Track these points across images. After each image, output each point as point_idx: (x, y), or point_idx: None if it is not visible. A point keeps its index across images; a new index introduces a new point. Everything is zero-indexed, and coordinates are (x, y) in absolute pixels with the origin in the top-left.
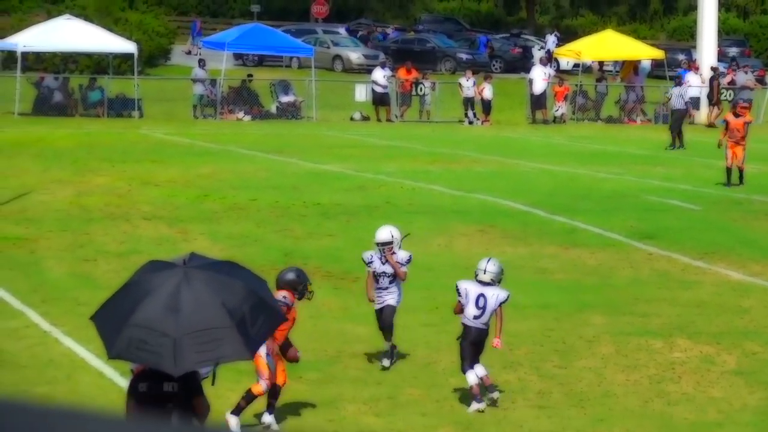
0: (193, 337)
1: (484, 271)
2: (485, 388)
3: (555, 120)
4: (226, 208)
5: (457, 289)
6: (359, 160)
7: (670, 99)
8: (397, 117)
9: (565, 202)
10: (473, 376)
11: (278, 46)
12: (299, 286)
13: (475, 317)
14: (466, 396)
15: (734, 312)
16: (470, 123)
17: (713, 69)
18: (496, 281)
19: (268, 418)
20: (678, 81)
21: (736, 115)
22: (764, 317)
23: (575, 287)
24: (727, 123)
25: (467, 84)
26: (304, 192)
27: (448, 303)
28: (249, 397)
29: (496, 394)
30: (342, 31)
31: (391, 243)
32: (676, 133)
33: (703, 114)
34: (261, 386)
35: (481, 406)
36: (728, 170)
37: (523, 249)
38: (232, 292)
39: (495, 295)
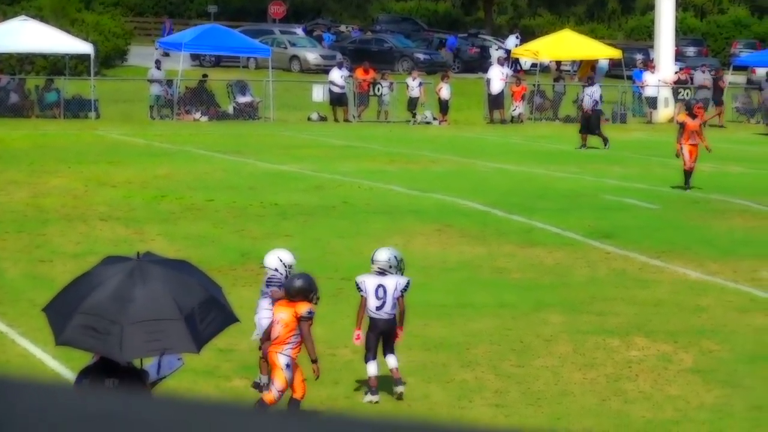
0: (141, 326)
1: (373, 261)
2: (396, 379)
3: (512, 120)
4: (183, 208)
5: (357, 285)
6: (316, 160)
7: (582, 100)
8: (354, 117)
9: (522, 201)
10: (373, 368)
11: (235, 46)
12: (311, 294)
13: (377, 308)
14: (423, 397)
15: (691, 310)
16: (416, 123)
17: (715, 70)
18: (395, 269)
19: None
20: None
21: (693, 117)
22: (721, 316)
23: (532, 286)
24: (683, 125)
25: (413, 84)
26: (261, 192)
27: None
28: (261, 406)
29: (400, 388)
30: (299, 31)
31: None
32: (592, 134)
33: (661, 113)
34: (273, 395)
35: (375, 398)
36: (687, 173)
37: (481, 248)
38: (184, 286)
39: (395, 282)
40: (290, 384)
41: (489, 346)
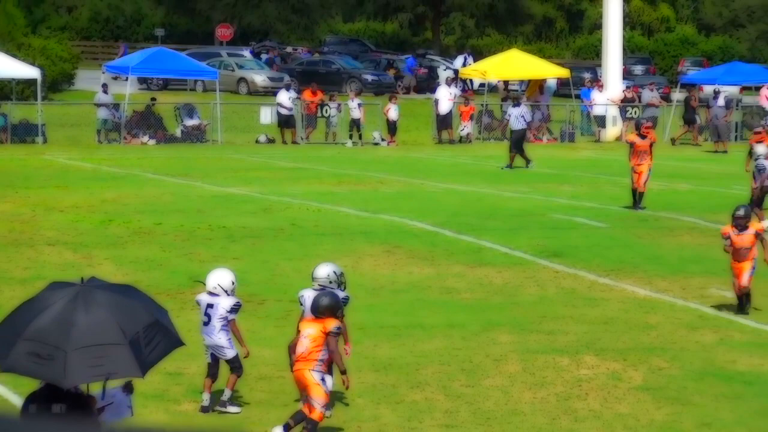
0: (85, 352)
1: (314, 278)
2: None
3: (461, 140)
4: (131, 232)
5: (298, 299)
6: (265, 182)
7: (508, 119)
8: (302, 139)
9: (471, 221)
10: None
11: (182, 69)
12: (338, 311)
13: None
14: (373, 418)
15: (641, 328)
16: (355, 144)
17: (687, 88)
18: (335, 284)
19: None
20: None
21: (642, 136)
22: (670, 333)
23: (482, 306)
24: (633, 144)
25: (352, 105)
26: (209, 215)
27: (354, 324)
28: (312, 426)
29: (328, 413)
30: (246, 53)
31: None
32: (516, 153)
33: (609, 132)
34: (319, 411)
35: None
36: (635, 192)
37: (430, 269)
38: (128, 311)
39: None
40: (328, 395)
41: (439, 367)
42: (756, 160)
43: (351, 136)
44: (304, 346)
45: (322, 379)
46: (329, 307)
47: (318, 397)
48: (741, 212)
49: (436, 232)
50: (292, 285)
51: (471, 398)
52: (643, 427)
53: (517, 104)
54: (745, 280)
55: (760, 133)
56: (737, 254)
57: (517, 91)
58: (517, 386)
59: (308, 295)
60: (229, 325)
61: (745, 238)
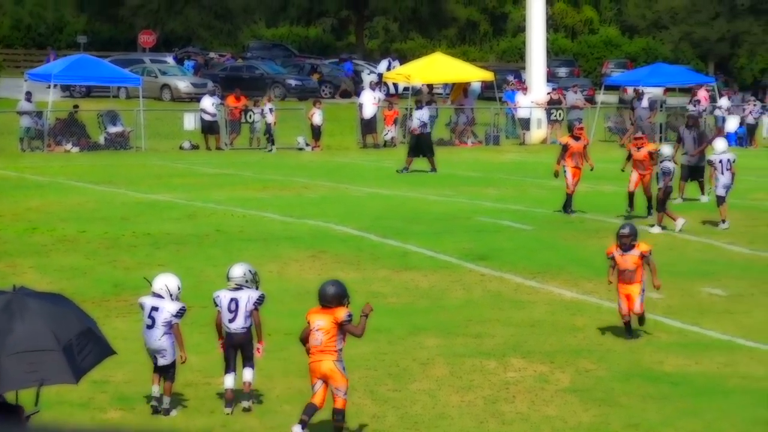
0: (18, 358)
1: (229, 278)
2: (244, 393)
3: (385, 144)
4: (55, 240)
5: (213, 300)
6: (189, 189)
7: (412, 122)
8: (226, 145)
9: (397, 225)
10: (229, 381)
11: (105, 76)
12: (345, 299)
13: (230, 321)
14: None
15: (567, 330)
16: (272, 150)
17: (636, 92)
18: (251, 283)
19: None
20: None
21: (576, 138)
22: (597, 335)
23: (408, 310)
24: (567, 146)
25: (265, 110)
26: (133, 222)
27: (280, 329)
28: (341, 416)
29: (246, 404)
30: (170, 60)
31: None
32: (412, 157)
33: (534, 134)
34: (343, 398)
35: (228, 410)
36: (569, 196)
37: (356, 273)
38: (61, 318)
39: (247, 296)
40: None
41: (365, 371)
42: (661, 162)
43: (272, 141)
44: (318, 339)
45: (344, 368)
46: (336, 295)
47: (341, 385)
48: (626, 231)
49: (362, 237)
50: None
51: (398, 402)
52: (570, 429)
53: (420, 106)
54: (637, 306)
55: (640, 138)
56: (622, 276)
57: (441, 94)
58: (444, 390)
59: (223, 296)
60: (172, 330)
61: (629, 259)
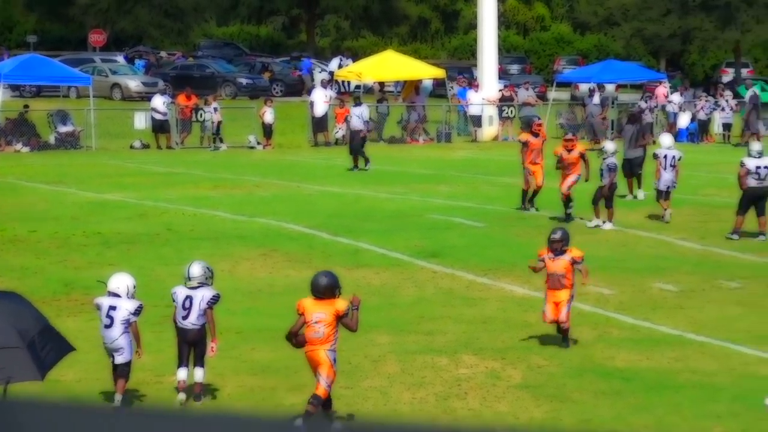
0: None
1: (190, 277)
2: (195, 394)
3: (337, 142)
4: (5, 240)
5: (171, 296)
6: (140, 188)
7: (350, 120)
8: (177, 144)
9: (348, 223)
10: (182, 373)
11: (55, 76)
12: (337, 290)
13: (183, 318)
14: None
15: (519, 327)
16: (217, 149)
17: (591, 89)
18: (210, 280)
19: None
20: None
21: (535, 135)
22: (549, 331)
23: (360, 307)
24: (527, 143)
25: (208, 109)
26: (84, 222)
27: (232, 328)
28: (317, 401)
29: (197, 404)
30: (120, 59)
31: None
32: (358, 155)
33: (485, 131)
34: (325, 388)
35: (182, 396)
36: (533, 192)
37: (307, 272)
38: (21, 316)
39: (201, 295)
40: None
41: None
42: (605, 159)
43: (217, 140)
44: (320, 332)
45: (335, 360)
46: (329, 286)
47: (328, 376)
48: (557, 235)
49: (313, 235)
50: (167, 290)
51: (350, 400)
52: (522, 425)
53: (358, 104)
54: (563, 315)
55: (571, 140)
56: (551, 280)
57: (392, 92)
58: (396, 387)
59: (180, 292)
60: (130, 328)
61: (560, 264)
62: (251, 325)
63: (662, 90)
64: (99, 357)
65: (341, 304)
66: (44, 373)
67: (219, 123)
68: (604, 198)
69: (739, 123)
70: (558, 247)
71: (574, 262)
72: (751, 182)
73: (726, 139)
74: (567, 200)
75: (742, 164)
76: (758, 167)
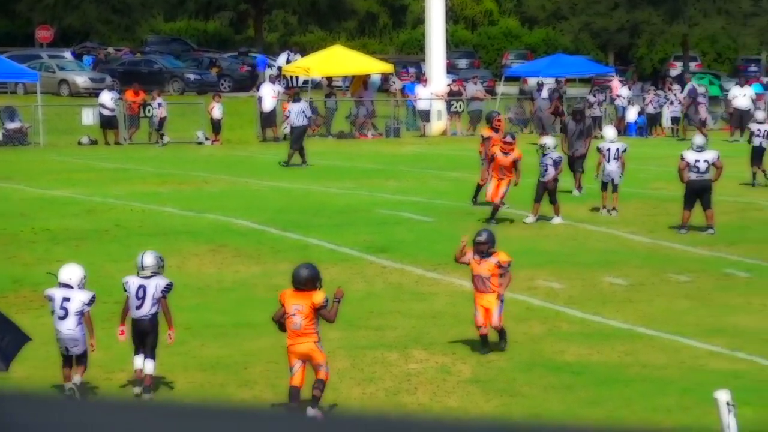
0: None
1: (143, 267)
2: (145, 386)
3: (285, 137)
4: None
5: (123, 285)
6: (88, 184)
7: (288, 116)
8: (125, 139)
9: (297, 218)
10: (139, 361)
11: (2, 72)
12: (318, 282)
13: (137, 308)
14: None
15: (469, 321)
16: (161, 144)
17: (557, 82)
18: (162, 270)
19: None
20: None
21: (496, 130)
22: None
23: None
24: (489, 138)
25: (154, 104)
26: (32, 218)
27: (180, 324)
28: (323, 386)
29: (147, 397)
30: (68, 55)
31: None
32: (296, 150)
33: (434, 126)
34: (327, 372)
35: (137, 389)
36: (480, 187)
37: (256, 267)
38: None
39: (155, 284)
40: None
41: (267, 365)
42: (545, 155)
43: (157, 135)
44: (297, 324)
45: (322, 347)
46: (310, 278)
47: (322, 360)
48: (482, 237)
49: (262, 230)
50: (117, 286)
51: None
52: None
53: (297, 100)
54: (495, 319)
55: (510, 144)
56: (477, 283)
57: (341, 87)
58: (346, 382)
59: (132, 282)
60: (83, 318)
61: (485, 266)
62: (200, 320)
63: (617, 84)
64: (48, 353)
65: (318, 296)
66: (8, 364)
67: (162, 119)
68: (548, 192)
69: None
70: (484, 249)
71: (500, 265)
72: (691, 176)
73: (675, 133)
74: (497, 208)
75: (681, 157)
76: (697, 161)
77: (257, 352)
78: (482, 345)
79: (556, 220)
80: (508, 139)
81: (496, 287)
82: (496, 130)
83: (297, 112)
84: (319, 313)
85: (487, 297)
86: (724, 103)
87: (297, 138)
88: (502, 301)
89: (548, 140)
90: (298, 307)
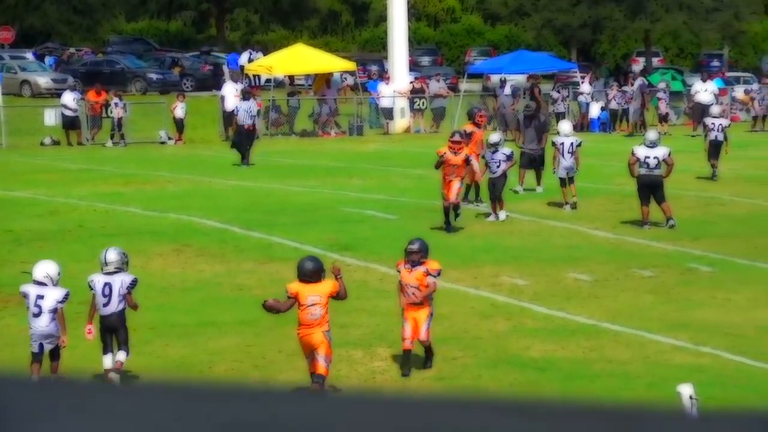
0: None
1: (107, 263)
2: (115, 369)
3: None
4: None
5: (88, 283)
6: (51, 184)
7: (237, 113)
8: (88, 140)
9: (260, 217)
10: (108, 361)
11: None
12: (323, 273)
13: (104, 305)
14: None
15: (433, 319)
16: (115, 144)
17: (534, 77)
18: (126, 266)
19: None
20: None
21: (478, 126)
22: (463, 322)
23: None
24: (472, 134)
25: (112, 104)
26: None
27: (144, 324)
28: (323, 381)
29: (114, 376)
30: (29, 55)
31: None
32: (244, 150)
33: (398, 124)
34: (326, 366)
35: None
36: (468, 187)
37: (220, 266)
38: None
39: (120, 281)
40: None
41: (231, 364)
42: (494, 152)
43: (112, 136)
44: (317, 314)
45: (330, 339)
46: (316, 269)
47: (327, 355)
48: (414, 246)
49: (226, 229)
50: (80, 287)
51: None
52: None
53: (246, 98)
54: (423, 333)
55: (459, 143)
56: (406, 293)
57: (303, 85)
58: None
59: (97, 280)
60: (57, 315)
61: (414, 276)
62: (164, 320)
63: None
64: (13, 354)
65: (330, 284)
66: None
67: (120, 119)
68: (496, 186)
69: (653, 112)
70: (416, 258)
71: (428, 273)
72: (641, 171)
73: (638, 128)
74: (456, 208)
75: (632, 152)
76: (647, 157)
77: (222, 351)
78: (403, 364)
79: (502, 215)
80: (456, 138)
81: (425, 298)
82: (479, 126)
83: (245, 111)
84: (335, 298)
85: (418, 312)
86: (686, 98)
87: (248, 137)
88: (431, 315)
89: (494, 136)
90: (315, 298)
